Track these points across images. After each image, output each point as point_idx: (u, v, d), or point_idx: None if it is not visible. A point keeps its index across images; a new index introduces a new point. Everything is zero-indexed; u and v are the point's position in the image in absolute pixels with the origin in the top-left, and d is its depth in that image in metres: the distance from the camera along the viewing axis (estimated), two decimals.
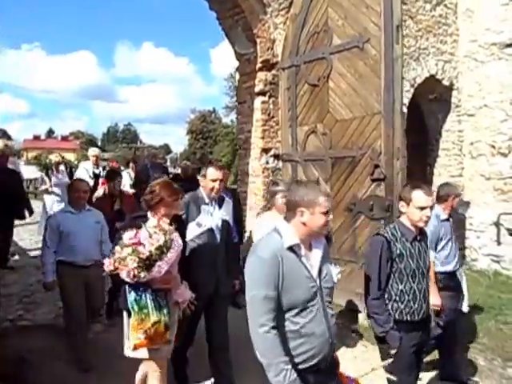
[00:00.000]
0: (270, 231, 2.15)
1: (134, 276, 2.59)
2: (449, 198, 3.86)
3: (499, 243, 6.84)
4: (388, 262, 2.71)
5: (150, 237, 2.62)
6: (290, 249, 2.04)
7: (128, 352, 2.89)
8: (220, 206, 3.62)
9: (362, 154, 4.92)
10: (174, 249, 2.71)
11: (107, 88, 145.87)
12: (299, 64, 5.80)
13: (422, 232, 2.84)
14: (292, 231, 2.07)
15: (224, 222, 3.61)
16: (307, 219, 2.05)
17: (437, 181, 7.53)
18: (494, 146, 7.00)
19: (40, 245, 4.45)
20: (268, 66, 6.23)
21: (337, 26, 5.33)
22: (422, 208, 2.69)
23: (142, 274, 2.59)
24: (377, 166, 4.74)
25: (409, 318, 2.73)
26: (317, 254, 2.14)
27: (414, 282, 2.73)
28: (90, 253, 3.97)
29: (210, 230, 3.48)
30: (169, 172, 9.26)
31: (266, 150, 6.18)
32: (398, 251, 2.71)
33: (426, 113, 7.59)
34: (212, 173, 3.51)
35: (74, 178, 7.47)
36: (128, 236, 2.65)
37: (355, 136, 5.04)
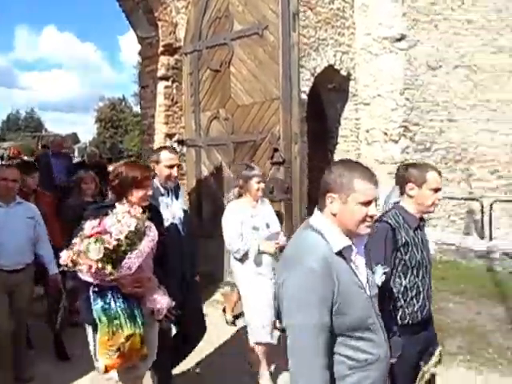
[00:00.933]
0: (302, 229, 1.66)
1: (97, 272, 2.07)
2: None
3: None
4: (392, 253, 2.33)
5: (119, 222, 2.15)
6: (339, 253, 1.55)
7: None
8: (177, 196, 3.20)
9: (263, 139, 5.04)
10: (148, 237, 2.21)
11: (7, 73, 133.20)
12: (201, 49, 5.76)
13: (422, 219, 2.50)
14: (336, 228, 1.58)
15: (185, 212, 3.23)
16: (337, 209, 1.56)
17: None
18: (386, 133, 7.57)
19: None
20: (170, 50, 6.13)
21: (237, 12, 5.37)
22: (436, 190, 2.40)
23: (108, 269, 2.08)
24: (276, 150, 4.89)
25: (410, 321, 2.36)
26: (361, 257, 1.68)
27: (418, 276, 2.37)
28: (21, 254, 3.40)
29: (173, 225, 3.06)
30: (73, 162, 8.73)
31: (170, 136, 6.10)
32: (403, 240, 2.35)
33: (325, 102, 7.98)
34: (167, 157, 3.04)
35: None
36: (90, 225, 2.15)
37: (256, 121, 5.15)
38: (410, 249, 2.36)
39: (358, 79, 7.88)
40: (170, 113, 6.10)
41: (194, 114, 5.85)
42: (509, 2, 8.63)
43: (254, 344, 3.36)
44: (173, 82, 6.14)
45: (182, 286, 3.08)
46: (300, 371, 1.46)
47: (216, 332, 4.17)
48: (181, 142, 6.06)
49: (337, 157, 7.94)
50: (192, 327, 3.21)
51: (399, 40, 7.59)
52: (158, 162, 3.06)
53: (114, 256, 2.08)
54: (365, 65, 7.86)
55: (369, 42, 7.83)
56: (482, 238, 6.89)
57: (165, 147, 3.35)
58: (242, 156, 5.28)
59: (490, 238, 6.76)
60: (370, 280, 1.69)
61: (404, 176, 2.48)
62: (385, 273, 2.18)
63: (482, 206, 7.07)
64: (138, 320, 2.22)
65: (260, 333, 3.30)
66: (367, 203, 1.54)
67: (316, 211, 1.64)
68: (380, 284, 2.02)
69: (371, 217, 1.56)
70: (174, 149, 3.32)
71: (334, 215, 1.57)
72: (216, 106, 5.60)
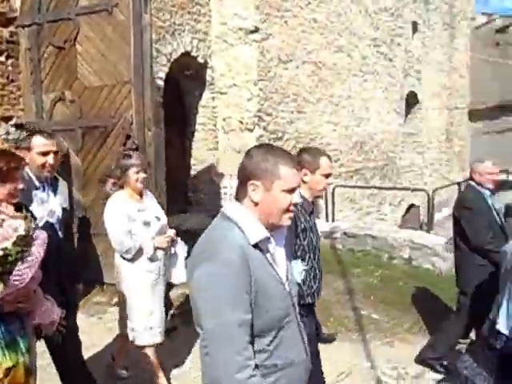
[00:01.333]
0: (217, 220, 1.51)
1: None
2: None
3: None
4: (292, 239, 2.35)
5: (0, 226, 1.71)
6: (255, 245, 1.43)
7: None
8: (55, 191, 2.77)
9: (114, 124, 4.77)
10: (38, 241, 1.82)
11: None
12: (42, 23, 5.17)
13: (312, 203, 2.58)
14: (254, 219, 1.45)
15: (64, 211, 2.82)
16: (260, 198, 1.44)
17: (195, 154, 8.01)
18: (242, 122, 7.80)
19: None
20: (3, 20, 5.38)
21: None
22: (327, 175, 2.47)
23: None
24: (129, 137, 4.68)
25: (310, 301, 2.45)
26: (281, 250, 1.56)
27: (314, 260, 2.46)
28: None
29: (48, 224, 2.60)
30: None
31: (5, 119, 5.38)
32: (303, 226, 2.40)
33: (183, 89, 7.89)
34: (40, 143, 2.62)
35: None
36: None
37: (106, 105, 4.83)
38: (307, 234, 2.43)
39: (214, 68, 7.92)
40: (5, 92, 5.38)
41: (35, 94, 5.25)
42: (347, 8, 9.57)
43: (137, 345, 3.14)
44: (7, 57, 5.42)
45: (63, 293, 2.69)
46: (223, 377, 1.31)
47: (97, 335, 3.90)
48: (19, 126, 5.39)
49: (195, 145, 7.94)
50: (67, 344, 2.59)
51: (253, 32, 7.82)
52: (29, 149, 2.61)
53: (0, 270, 1.67)
54: (221, 54, 7.94)
55: (224, 32, 7.91)
56: (327, 220, 7.60)
57: (39, 131, 2.85)
58: (92, 142, 4.93)
59: (333, 220, 7.49)
60: (289, 277, 1.57)
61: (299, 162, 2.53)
62: (304, 269, 2.17)
63: (326, 191, 7.77)
64: (22, 346, 1.81)
65: (144, 337, 3.08)
66: (291, 190, 1.47)
67: (233, 201, 1.54)
68: (300, 281, 1.98)
69: (295, 205, 1.50)
70: (51, 134, 2.89)
71: (256, 204, 1.46)
72: (61, 86, 5.11)
